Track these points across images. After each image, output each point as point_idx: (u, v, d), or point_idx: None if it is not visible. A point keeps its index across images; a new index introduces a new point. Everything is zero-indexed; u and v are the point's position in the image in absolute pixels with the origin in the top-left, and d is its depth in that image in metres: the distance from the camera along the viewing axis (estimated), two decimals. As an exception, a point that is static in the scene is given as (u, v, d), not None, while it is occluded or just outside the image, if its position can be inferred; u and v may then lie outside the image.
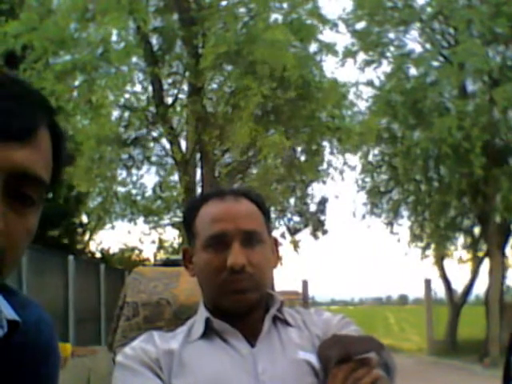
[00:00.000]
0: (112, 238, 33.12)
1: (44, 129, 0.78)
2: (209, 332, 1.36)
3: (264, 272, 1.38)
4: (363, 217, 17.95)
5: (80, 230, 17.13)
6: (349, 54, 15.44)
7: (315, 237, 16.59)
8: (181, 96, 12.90)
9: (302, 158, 14.22)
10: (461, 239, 19.03)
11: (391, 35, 16.08)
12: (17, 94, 0.75)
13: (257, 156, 12.94)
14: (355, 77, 16.02)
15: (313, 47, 13.05)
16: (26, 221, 0.77)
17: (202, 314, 1.39)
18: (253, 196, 1.44)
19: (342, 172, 14.17)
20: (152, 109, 12.56)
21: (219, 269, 1.34)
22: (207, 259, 1.36)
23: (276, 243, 1.47)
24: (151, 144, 13.74)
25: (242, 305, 1.34)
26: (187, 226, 1.44)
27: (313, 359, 1.32)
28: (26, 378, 0.90)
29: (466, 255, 18.97)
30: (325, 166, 14.10)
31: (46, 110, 0.79)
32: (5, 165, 0.73)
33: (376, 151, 17.68)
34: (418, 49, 16.29)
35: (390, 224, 18.07)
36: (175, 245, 15.02)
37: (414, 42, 16.31)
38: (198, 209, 1.42)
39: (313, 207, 16.51)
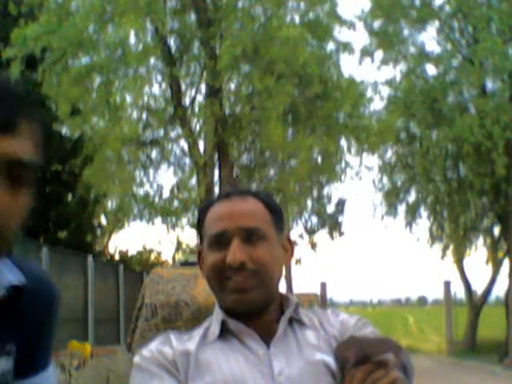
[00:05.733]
0: (130, 239, 33.27)
1: (26, 121, 0.92)
2: (225, 333, 1.35)
3: (269, 268, 1.34)
4: (382, 217, 17.89)
5: (98, 231, 17.21)
6: (366, 52, 15.39)
7: (332, 237, 16.56)
8: (199, 97, 12.94)
9: (319, 159, 14.18)
10: (481, 239, 18.90)
11: (408, 33, 16.00)
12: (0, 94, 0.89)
13: (274, 157, 12.91)
14: (373, 76, 15.98)
15: (330, 46, 13.03)
16: (18, 199, 0.92)
17: (218, 314, 1.38)
18: (260, 195, 1.42)
19: (358, 173, 14.13)
20: (170, 110, 12.58)
21: (221, 267, 1.32)
22: (211, 258, 1.35)
23: (289, 241, 1.45)
24: (169, 145, 13.78)
25: (244, 304, 1.32)
26: (198, 227, 1.44)
27: (330, 360, 1.31)
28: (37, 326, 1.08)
29: (486, 255, 18.82)
30: (342, 165, 14.06)
31: (24, 106, 0.94)
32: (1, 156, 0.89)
33: (393, 151, 17.60)
34: (436, 47, 16.22)
35: (409, 224, 17.98)
36: (192, 246, 15.06)
37: (431, 40, 16.23)
38: (207, 210, 1.41)
39: (330, 208, 16.48)
